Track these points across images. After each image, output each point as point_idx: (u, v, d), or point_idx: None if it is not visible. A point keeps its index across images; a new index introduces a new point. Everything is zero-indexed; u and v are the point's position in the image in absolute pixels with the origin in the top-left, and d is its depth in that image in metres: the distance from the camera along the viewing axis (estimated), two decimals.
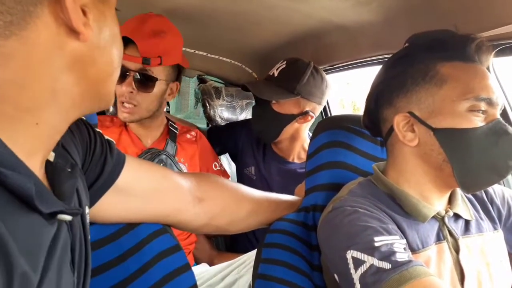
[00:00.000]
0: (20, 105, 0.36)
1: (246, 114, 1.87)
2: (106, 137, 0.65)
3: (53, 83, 0.38)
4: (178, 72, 1.18)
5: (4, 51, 0.34)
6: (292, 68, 1.23)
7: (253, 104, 1.86)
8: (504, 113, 0.84)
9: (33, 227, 0.37)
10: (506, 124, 0.63)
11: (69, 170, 0.52)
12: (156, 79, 1.09)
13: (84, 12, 0.38)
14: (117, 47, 0.45)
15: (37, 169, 0.41)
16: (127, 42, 1.03)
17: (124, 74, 1.06)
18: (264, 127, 1.28)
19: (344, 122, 0.87)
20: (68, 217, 0.42)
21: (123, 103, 1.08)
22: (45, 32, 0.36)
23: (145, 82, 1.08)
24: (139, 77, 1.06)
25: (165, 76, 1.11)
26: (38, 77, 0.37)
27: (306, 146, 1.34)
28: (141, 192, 0.68)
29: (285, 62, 1.25)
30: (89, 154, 0.60)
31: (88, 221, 0.53)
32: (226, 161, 1.84)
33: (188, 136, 1.30)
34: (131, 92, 1.07)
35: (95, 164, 0.61)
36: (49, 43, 0.37)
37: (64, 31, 0.37)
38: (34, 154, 0.39)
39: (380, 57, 1.17)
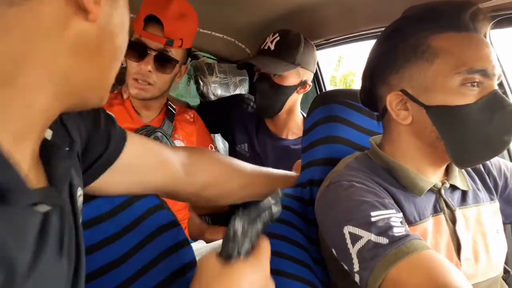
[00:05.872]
0: (9, 81, 0.33)
1: (240, 91, 1.85)
2: (107, 111, 0.64)
3: (52, 64, 0.35)
4: (188, 55, 1.20)
5: (4, 21, 0.31)
6: (288, 39, 1.23)
7: (247, 80, 1.84)
8: (499, 86, 0.83)
9: (11, 220, 0.33)
10: (503, 96, 0.60)
11: (67, 149, 0.50)
12: (177, 61, 1.09)
13: None
14: (124, 36, 0.42)
15: (27, 155, 0.38)
16: (150, 20, 1.03)
17: (144, 52, 1.05)
18: (269, 102, 1.29)
19: (340, 97, 0.86)
20: (45, 208, 0.38)
21: (136, 79, 1.08)
22: (52, 5, 0.33)
23: (165, 63, 1.08)
24: (159, 57, 1.06)
25: (180, 59, 1.12)
26: (36, 55, 0.33)
27: (299, 121, 1.37)
28: (141, 167, 0.69)
29: (277, 34, 1.26)
30: (94, 129, 0.59)
31: (79, 203, 0.50)
32: (221, 140, 1.84)
33: (187, 116, 1.31)
34: (150, 71, 1.07)
35: (100, 138, 0.60)
36: (53, 18, 0.33)
37: (72, 8, 0.34)
38: (23, 140, 0.36)
39: (376, 30, 1.15)
